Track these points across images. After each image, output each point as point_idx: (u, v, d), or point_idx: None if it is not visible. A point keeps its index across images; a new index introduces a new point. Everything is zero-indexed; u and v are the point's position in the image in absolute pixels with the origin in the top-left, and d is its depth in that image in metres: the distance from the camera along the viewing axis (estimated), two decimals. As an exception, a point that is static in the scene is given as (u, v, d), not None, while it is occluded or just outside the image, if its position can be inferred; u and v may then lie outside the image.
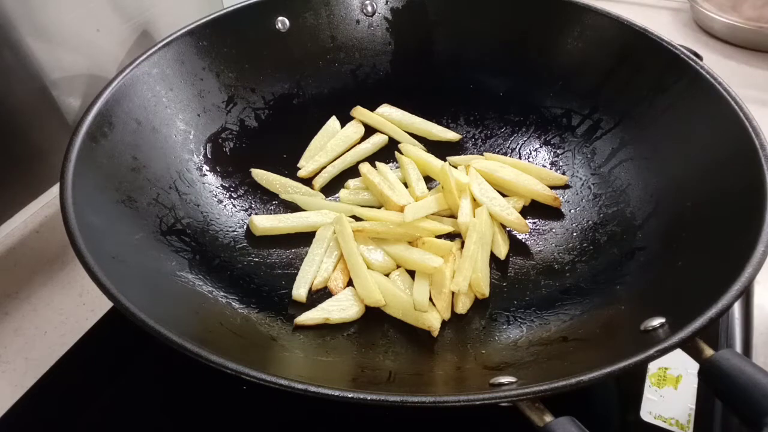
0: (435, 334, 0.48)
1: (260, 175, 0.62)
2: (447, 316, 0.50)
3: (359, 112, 0.68)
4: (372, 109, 0.69)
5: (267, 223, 0.57)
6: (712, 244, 0.44)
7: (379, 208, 0.59)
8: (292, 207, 0.61)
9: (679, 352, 0.35)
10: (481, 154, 0.65)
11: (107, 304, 0.53)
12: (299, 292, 0.52)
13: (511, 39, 0.67)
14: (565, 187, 0.62)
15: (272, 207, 0.61)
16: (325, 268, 0.54)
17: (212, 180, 0.60)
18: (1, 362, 0.53)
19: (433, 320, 0.48)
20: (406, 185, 0.61)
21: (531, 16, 0.65)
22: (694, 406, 0.47)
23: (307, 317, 0.49)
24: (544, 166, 0.64)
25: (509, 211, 0.57)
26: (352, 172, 0.64)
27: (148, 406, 0.49)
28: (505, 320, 0.50)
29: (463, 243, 0.54)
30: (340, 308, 0.50)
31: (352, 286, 0.52)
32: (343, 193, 0.62)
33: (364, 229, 0.54)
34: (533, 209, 0.60)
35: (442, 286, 0.51)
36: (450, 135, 0.67)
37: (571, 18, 0.63)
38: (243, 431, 0.47)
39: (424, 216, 0.55)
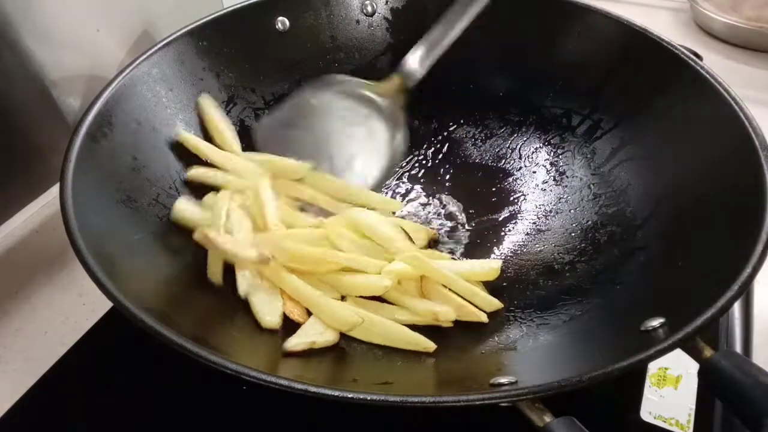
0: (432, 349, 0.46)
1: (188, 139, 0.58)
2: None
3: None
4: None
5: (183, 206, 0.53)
6: (711, 244, 0.44)
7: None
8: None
9: (679, 352, 0.35)
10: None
11: (107, 304, 0.52)
12: (269, 319, 0.47)
13: (511, 39, 0.67)
14: (566, 187, 0.62)
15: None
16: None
17: (212, 180, 0.60)
18: (1, 362, 0.53)
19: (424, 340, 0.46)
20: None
21: (531, 16, 0.65)
22: (694, 406, 0.47)
23: (293, 343, 0.44)
24: (543, 166, 0.64)
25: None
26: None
27: (149, 406, 0.49)
28: (504, 320, 0.50)
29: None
30: (319, 331, 0.46)
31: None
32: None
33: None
34: (532, 209, 0.60)
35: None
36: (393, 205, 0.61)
37: (571, 18, 0.63)
38: (243, 431, 0.47)
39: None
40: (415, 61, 0.61)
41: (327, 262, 0.49)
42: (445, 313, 0.48)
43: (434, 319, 0.48)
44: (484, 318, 0.49)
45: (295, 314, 0.48)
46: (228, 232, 0.50)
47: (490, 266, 0.53)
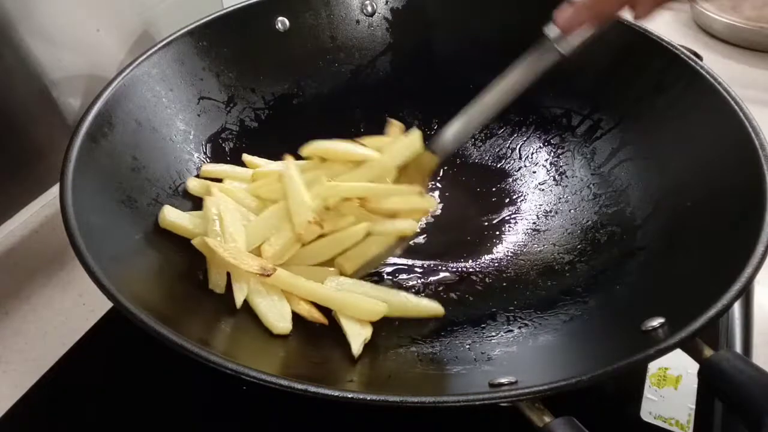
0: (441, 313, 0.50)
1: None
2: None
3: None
4: (374, 110, 0.68)
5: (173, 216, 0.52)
6: (712, 244, 0.44)
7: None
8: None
9: (679, 352, 0.35)
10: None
11: (107, 304, 0.52)
12: (282, 325, 0.47)
13: (511, 39, 0.66)
14: (565, 187, 0.62)
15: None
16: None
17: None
18: (1, 362, 0.53)
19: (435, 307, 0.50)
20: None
21: (531, 16, 0.65)
22: (694, 406, 0.47)
23: (358, 347, 0.45)
24: (543, 166, 0.64)
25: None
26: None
27: (149, 406, 0.49)
28: (505, 320, 0.50)
29: None
30: (361, 327, 0.47)
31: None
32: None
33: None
34: (532, 209, 0.60)
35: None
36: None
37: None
38: (243, 431, 0.47)
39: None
40: (450, 137, 0.57)
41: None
42: (409, 226, 0.54)
43: (402, 234, 0.53)
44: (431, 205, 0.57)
45: (316, 315, 0.48)
46: (223, 237, 0.50)
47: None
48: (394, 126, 0.61)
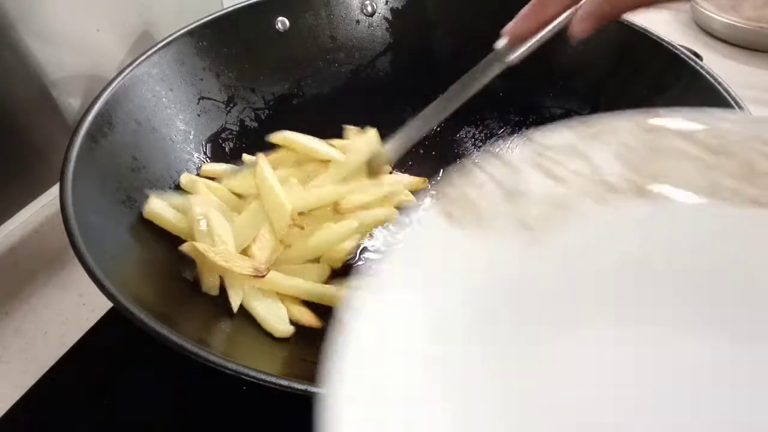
0: None
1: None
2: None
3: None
4: (374, 110, 0.68)
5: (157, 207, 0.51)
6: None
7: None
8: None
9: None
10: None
11: (107, 304, 0.53)
12: (283, 328, 0.47)
13: (511, 39, 0.66)
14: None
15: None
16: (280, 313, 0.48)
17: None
18: (1, 362, 0.53)
19: None
20: None
21: (531, 16, 0.65)
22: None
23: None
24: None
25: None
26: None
27: (149, 406, 0.49)
28: (505, 320, 0.50)
29: None
30: None
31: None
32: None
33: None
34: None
35: None
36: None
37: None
38: (243, 431, 0.47)
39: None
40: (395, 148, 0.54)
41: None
42: (390, 214, 0.55)
43: (384, 222, 0.55)
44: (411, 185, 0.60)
45: (310, 319, 0.48)
46: (212, 239, 0.50)
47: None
48: (351, 131, 0.61)
